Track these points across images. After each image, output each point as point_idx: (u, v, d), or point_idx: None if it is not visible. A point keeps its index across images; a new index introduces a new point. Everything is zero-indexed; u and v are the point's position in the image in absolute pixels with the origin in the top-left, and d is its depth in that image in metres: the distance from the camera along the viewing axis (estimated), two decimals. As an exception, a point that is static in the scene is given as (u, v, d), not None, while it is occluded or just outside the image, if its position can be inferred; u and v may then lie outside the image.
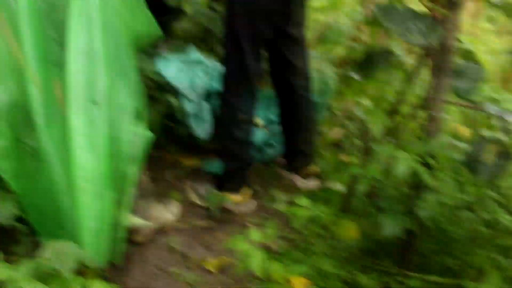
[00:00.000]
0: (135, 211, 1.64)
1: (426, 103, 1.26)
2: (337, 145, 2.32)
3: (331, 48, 2.68)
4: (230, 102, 1.76)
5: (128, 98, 1.49)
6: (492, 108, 1.20)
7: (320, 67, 2.33)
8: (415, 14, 1.20)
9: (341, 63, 2.45)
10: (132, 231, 1.70)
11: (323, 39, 2.42)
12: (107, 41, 1.40)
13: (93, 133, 1.35)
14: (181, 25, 3.22)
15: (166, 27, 2.98)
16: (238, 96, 1.75)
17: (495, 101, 1.88)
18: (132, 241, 1.73)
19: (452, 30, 1.20)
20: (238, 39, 1.65)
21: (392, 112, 1.34)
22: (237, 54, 1.69)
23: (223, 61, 1.77)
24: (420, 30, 1.13)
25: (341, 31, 2.29)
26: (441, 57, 1.20)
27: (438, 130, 1.24)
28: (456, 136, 1.93)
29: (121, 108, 1.46)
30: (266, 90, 2.42)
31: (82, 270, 1.43)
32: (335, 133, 2.31)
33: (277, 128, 2.14)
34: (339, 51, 2.58)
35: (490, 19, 6.56)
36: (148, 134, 1.54)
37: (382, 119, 1.25)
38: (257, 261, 1.19)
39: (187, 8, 2.89)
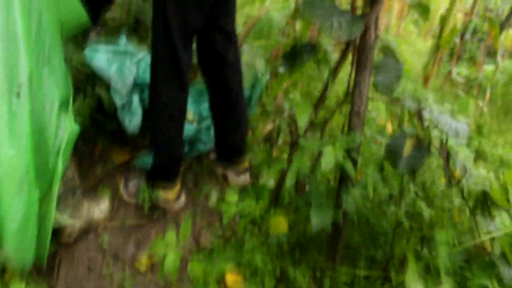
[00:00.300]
0: (62, 209, 1.55)
1: (349, 98, 1.28)
2: (269, 140, 2.32)
3: (262, 42, 2.69)
4: (160, 96, 1.69)
5: (53, 87, 1.39)
6: (410, 104, 1.24)
7: (252, 61, 2.33)
8: (337, 10, 1.21)
9: (273, 57, 2.46)
10: (59, 230, 1.61)
11: (254, 32, 2.41)
12: (29, 25, 1.29)
13: (15, 125, 1.24)
14: (111, 14, 3.09)
15: (96, 15, 2.85)
16: (168, 90, 1.69)
17: (416, 98, 1.98)
18: (59, 240, 1.64)
19: (372, 27, 1.23)
20: (169, 29, 1.58)
21: (318, 106, 1.35)
22: (167, 46, 1.62)
23: (152, 52, 1.69)
24: (342, 25, 1.14)
25: (272, 25, 2.29)
26: (362, 53, 1.23)
27: (360, 125, 1.26)
28: (382, 131, 2.00)
29: (46, 98, 1.35)
30: (198, 84, 2.38)
31: (2, 272, 1.34)
32: (266, 127, 2.32)
33: (208, 123, 2.10)
34: (271, 44, 2.60)
35: (415, 22, 6.97)
36: (75, 127, 1.46)
37: (309, 113, 1.26)
38: (171, 264, 1.16)
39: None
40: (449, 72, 3.62)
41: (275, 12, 2.66)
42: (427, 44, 6.08)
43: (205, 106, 2.28)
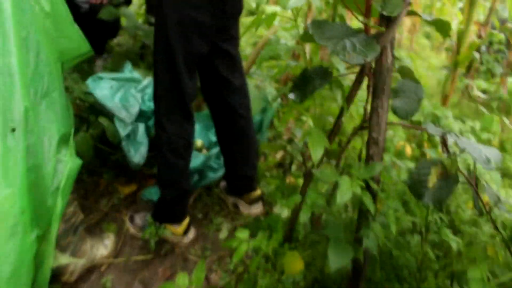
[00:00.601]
0: (63, 248, 1.48)
1: (366, 124, 1.18)
2: (282, 166, 2.23)
3: (272, 64, 2.61)
4: (164, 127, 1.61)
5: (52, 121, 1.34)
6: (433, 129, 1.14)
7: (261, 84, 2.25)
8: (350, 31, 1.12)
9: (283, 80, 2.38)
10: (60, 270, 1.53)
11: (264, 54, 2.33)
12: (26, 58, 1.25)
13: (9, 162, 1.17)
14: (118, 41, 3.08)
15: (102, 42, 2.83)
16: (174, 120, 1.60)
17: (436, 118, 1.87)
18: (60, 281, 1.55)
19: (388, 48, 1.14)
20: (172, 56, 1.51)
21: (333, 133, 1.26)
22: (171, 73, 1.54)
23: (155, 83, 1.61)
24: (355, 47, 1.05)
25: (281, 46, 2.21)
26: (378, 76, 1.13)
27: (380, 153, 1.16)
28: (401, 154, 1.89)
29: (44, 132, 1.30)
30: (205, 109, 2.31)
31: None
32: (279, 153, 2.22)
33: (218, 150, 2.02)
34: (281, 66, 2.51)
35: (427, 35, 6.88)
36: (76, 161, 1.39)
37: (323, 141, 1.16)
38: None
39: (124, 22, 2.75)
40: (466, 87, 3.49)
41: (284, 32, 2.59)
42: (440, 57, 5.97)
43: (214, 131, 2.20)
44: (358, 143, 1.65)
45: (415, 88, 1.18)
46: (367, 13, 1.19)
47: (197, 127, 2.21)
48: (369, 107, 1.20)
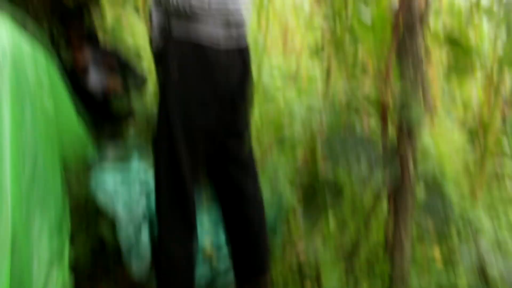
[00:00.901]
0: None
1: (389, 247, 1.02)
2: (299, 268, 2.01)
3: (289, 152, 2.48)
4: (166, 246, 1.45)
5: (45, 233, 1.23)
6: (468, 257, 0.97)
7: (275, 177, 2.12)
8: (365, 142, 1.00)
9: (302, 169, 2.24)
10: None
11: (277, 141, 2.23)
12: (20, 172, 1.13)
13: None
14: (131, 127, 3.05)
15: (116, 127, 2.81)
16: (176, 238, 1.44)
17: (468, 221, 1.67)
18: None
19: (410, 160, 1.00)
20: (177, 161, 1.39)
21: (351, 257, 1.09)
22: (175, 181, 1.41)
23: (156, 189, 1.47)
24: (372, 162, 0.92)
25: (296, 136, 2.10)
26: (399, 194, 0.99)
27: (405, 280, 0.99)
28: (430, 261, 1.68)
29: (33, 250, 1.18)
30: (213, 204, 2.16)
31: None
32: (296, 252, 2.02)
33: (227, 251, 1.84)
34: (299, 154, 2.37)
35: (447, 109, 6.76)
36: (68, 279, 1.25)
37: (337, 268, 1.00)
38: None
39: (136, 108, 2.74)
40: (496, 172, 3.28)
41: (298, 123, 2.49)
42: (463, 131, 5.79)
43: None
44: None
45: (443, 206, 1.03)
46: (383, 121, 1.07)
47: (207, 222, 2.06)
48: (390, 226, 1.04)
